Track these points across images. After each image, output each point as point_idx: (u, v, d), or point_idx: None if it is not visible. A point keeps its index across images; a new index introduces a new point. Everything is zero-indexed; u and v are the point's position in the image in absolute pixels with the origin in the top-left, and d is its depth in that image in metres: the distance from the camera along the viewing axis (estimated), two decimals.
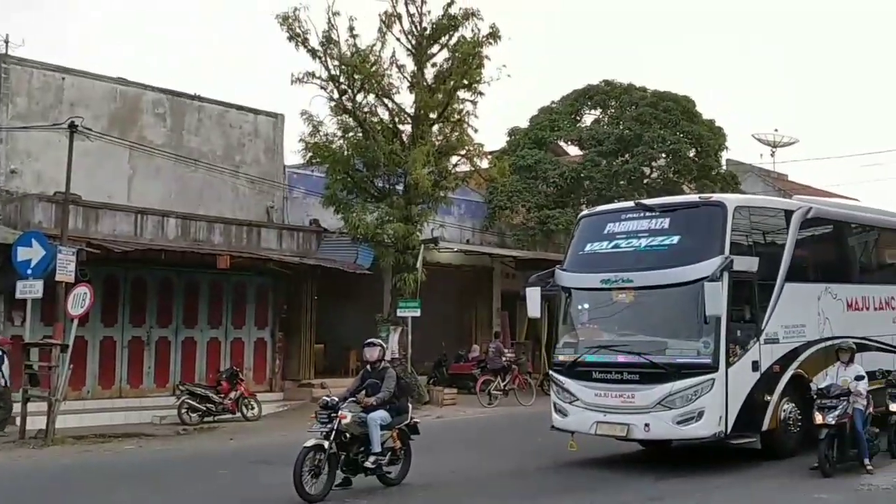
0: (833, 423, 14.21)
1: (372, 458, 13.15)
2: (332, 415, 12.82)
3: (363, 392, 13.46)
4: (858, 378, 14.76)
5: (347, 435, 13.02)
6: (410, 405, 14.73)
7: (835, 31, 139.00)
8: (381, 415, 13.30)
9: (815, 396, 14.73)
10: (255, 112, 28.73)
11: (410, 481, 13.82)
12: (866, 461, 14.44)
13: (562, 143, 36.89)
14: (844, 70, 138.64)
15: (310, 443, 12.60)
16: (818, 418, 14.36)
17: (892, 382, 16.25)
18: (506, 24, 26.13)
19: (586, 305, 16.63)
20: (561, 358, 16.28)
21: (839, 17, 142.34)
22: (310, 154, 25.77)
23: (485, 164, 28.78)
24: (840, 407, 14.31)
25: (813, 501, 12.65)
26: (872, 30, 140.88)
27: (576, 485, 14.04)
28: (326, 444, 12.63)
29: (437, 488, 13.99)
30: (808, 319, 16.57)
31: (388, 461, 13.49)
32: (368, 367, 13.96)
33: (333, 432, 12.73)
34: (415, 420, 14.27)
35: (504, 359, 27.67)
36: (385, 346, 15.07)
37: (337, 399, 13.16)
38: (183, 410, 22.25)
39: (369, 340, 14.28)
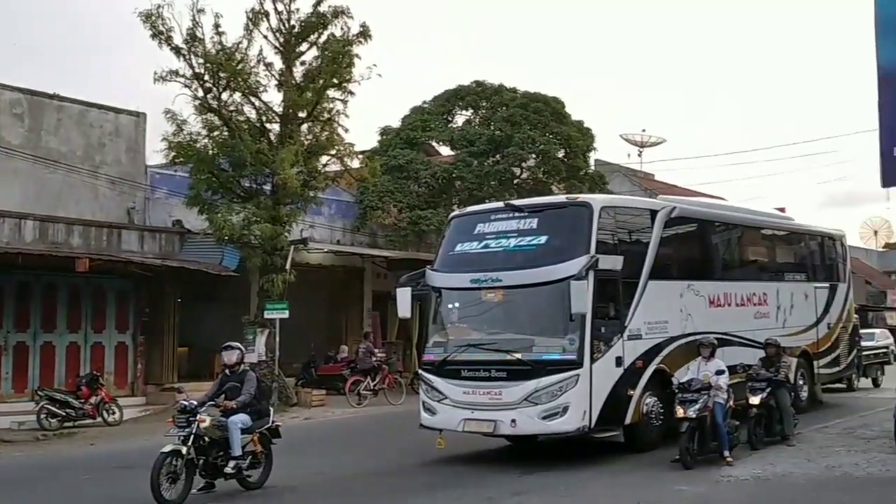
0: (694, 416, 14.68)
1: (232, 463, 13.14)
2: (191, 419, 12.74)
3: (223, 396, 13.46)
4: (719, 372, 15.24)
5: (206, 439, 12.97)
6: (272, 408, 14.74)
7: (702, 34, 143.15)
8: (241, 418, 13.28)
9: (676, 390, 15.24)
10: (117, 111, 28.26)
11: (277, 483, 13.87)
12: (726, 453, 14.99)
13: (433, 144, 37.15)
14: (711, 71, 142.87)
15: (167, 448, 12.53)
16: (679, 412, 14.85)
17: (752, 376, 16.89)
18: (376, 23, 26.25)
19: (456, 305, 16.92)
20: (430, 357, 16.53)
21: (705, 21, 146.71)
22: (173, 153, 25.34)
23: (356, 163, 28.78)
24: (701, 400, 14.79)
25: (674, 493, 13.06)
26: (738, 32, 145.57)
27: (443, 482, 14.24)
28: (184, 449, 12.56)
29: (303, 490, 14.06)
30: (671, 316, 17.17)
31: (248, 465, 13.47)
32: (228, 370, 13.91)
33: (192, 437, 12.67)
34: (276, 423, 14.30)
35: (374, 359, 27.81)
36: (244, 349, 14.91)
37: (195, 403, 13.07)
38: (42, 416, 21.83)
39: (227, 344, 14.20)
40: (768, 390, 16.66)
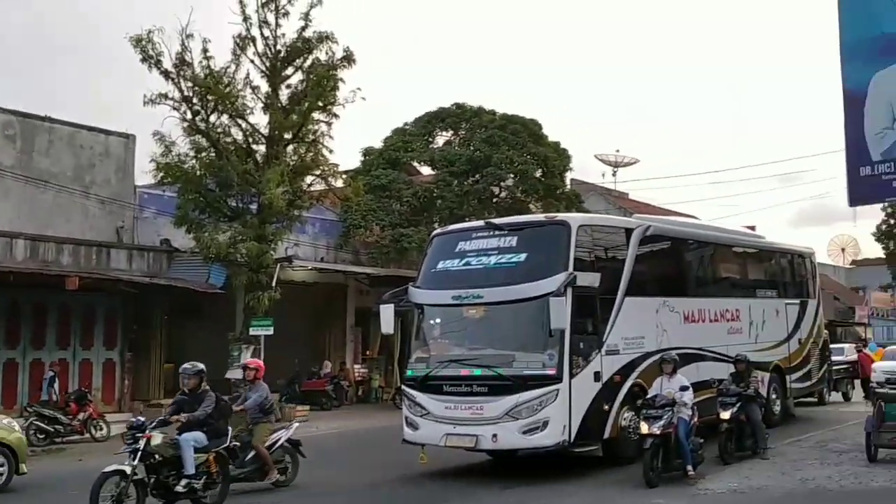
0: (658, 432, 14.40)
1: (184, 481, 12.45)
2: (138, 435, 12.15)
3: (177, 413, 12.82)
4: (683, 389, 15.00)
5: (157, 457, 12.32)
6: (231, 428, 13.79)
7: (675, 54, 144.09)
8: (194, 436, 12.68)
9: (640, 406, 15.15)
10: (107, 133, 28.35)
11: (257, 497, 13.75)
12: (689, 469, 14.67)
13: (415, 164, 37.16)
14: (683, 92, 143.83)
15: (109, 467, 11.93)
16: (644, 428, 14.62)
17: (722, 391, 16.77)
18: (362, 46, 26.33)
19: (438, 321, 16.89)
20: (413, 372, 16.44)
21: (678, 42, 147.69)
22: (161, 174, 25.35)
23: (339, 183, 28.81)
24: (665, 417, 14.51)
25: None
26: (712, 52, 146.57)
27: (426, 496, 14.15)
28: (128, 468, 11.92)
29: None
30: (647, 332, 17.10)
31: (203, 485, 12.76)
32: (186, 391, 13.25)
33: (139, 454, 12.04)
34: (234, 444, 13.62)
35: None
36: (202, 368, 13.58)
37: (143, 419, 12.60)
38: (31, 432, 21.56)
39: (184, 368, 13.48)
40: (738, 405, 16.48)
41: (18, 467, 15.37)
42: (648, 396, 15.14)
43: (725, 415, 16.34)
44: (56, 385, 23.23)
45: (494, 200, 34.45)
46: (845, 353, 35.33)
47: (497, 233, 16.32)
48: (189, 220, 25.51)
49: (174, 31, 24.81)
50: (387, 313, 16.73)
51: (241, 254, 24.95)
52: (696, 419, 15.27)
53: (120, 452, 12.33)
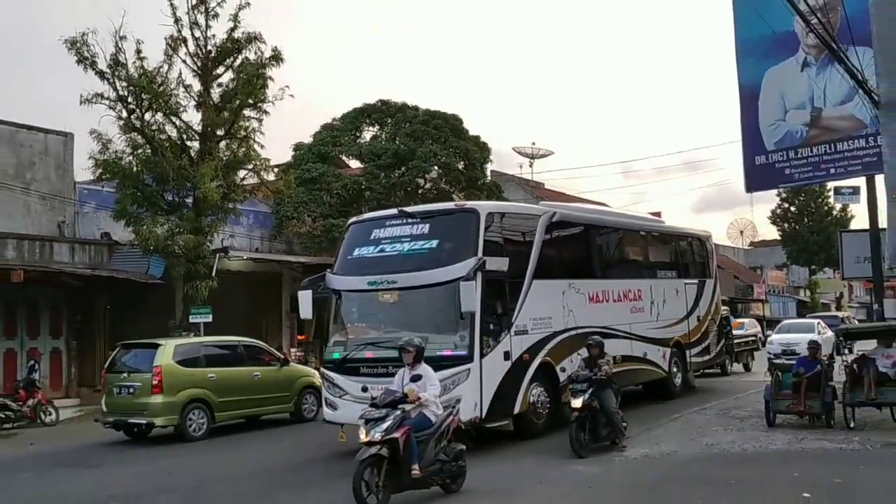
0: (378, 439, 10.67)
1: None
2: None
3: None
4: (415, 378, 11.98)
5: None
6: None
7: (588, 51, 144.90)
8: None
9: (369, 407, 11.41)
10: (46, 132, 27.89)
11: (184, 479, 13.69)
12: (417, 470, 11.01)
13: (343, 158, 37.27)
14: (597, 86, 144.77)
15: None
16: (362, 436, 10.92)
17: (572, 378, 15.22)
18: (289, 44, 26.30)
19: (355, 306, 16.88)
20: (332, 355, 16.44)
21: (584, 40, 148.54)
22: (100, 171, 25.05)
23: (271, 177, 28.79)
24: (391, 418, 10.93)
25: (572, 473, 13.14)
26: (623, 49, 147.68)
27: (346, 472, 14.19)
28: None
29: (229, 484, 14.00)
30: (555, 312, 17.24)
31: None
32: None
33: None
34: None
35: None
36: None
37: None
38: None
39: None
40: (590, 391, 14.47)
41: None
42: (376, 395, 11.50)
43: (577, 403, 14.36)
44: (37, 373, 23.10)
45: (420, 191, 34.70)
46: (746, 327, 36.37)
47: (409, 220, 16.30)
48: (127, 214, 25.24)
49: (108, 33, 24.64)
50: (305, 299, 16.55)
51: (178, 245, 24.76)
52: (452, 419, 11.93)
53: None
